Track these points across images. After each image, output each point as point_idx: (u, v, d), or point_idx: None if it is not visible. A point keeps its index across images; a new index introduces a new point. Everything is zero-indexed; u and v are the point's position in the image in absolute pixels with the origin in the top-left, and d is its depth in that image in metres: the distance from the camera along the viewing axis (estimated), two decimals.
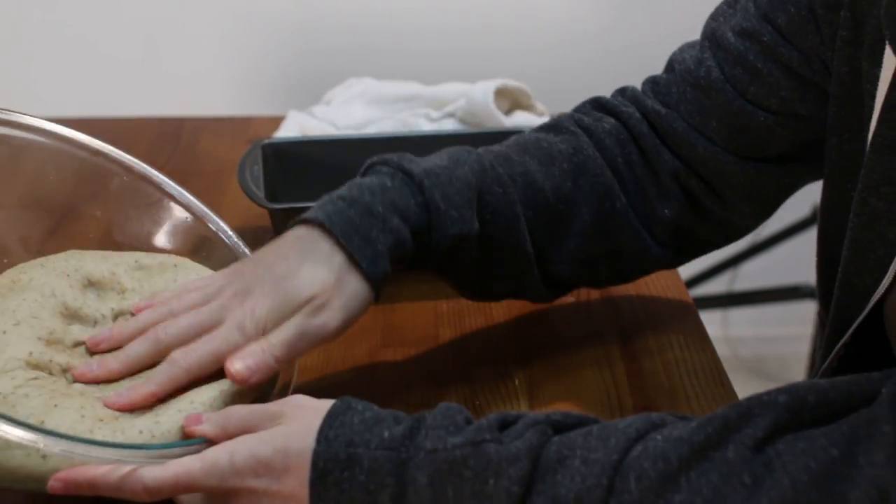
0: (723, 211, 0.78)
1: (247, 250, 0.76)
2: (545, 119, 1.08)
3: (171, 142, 1.19)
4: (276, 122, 1.13)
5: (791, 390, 0.50)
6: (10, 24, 1.66)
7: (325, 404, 0.57)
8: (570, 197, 0.75)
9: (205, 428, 0.58)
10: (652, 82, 0.79)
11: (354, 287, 0.64)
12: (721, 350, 0.83)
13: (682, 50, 0.78)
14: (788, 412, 0.50)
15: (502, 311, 0.87)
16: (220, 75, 1.75)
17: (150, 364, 0.63)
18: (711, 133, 0.74)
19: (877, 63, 0.61)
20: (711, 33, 0.75)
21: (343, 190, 0.68)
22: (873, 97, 0.61)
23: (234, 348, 0.61)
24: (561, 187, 0.74)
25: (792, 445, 0.48)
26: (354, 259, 0.64)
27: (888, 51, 0.59)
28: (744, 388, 0.71)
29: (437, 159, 0.71)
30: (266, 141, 0.96)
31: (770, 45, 0.70)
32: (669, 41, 0.87)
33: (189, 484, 0.55)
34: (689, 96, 0.75)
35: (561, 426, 0.53)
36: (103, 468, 0.54)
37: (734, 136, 0.74)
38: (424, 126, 1.10)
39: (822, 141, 0.71)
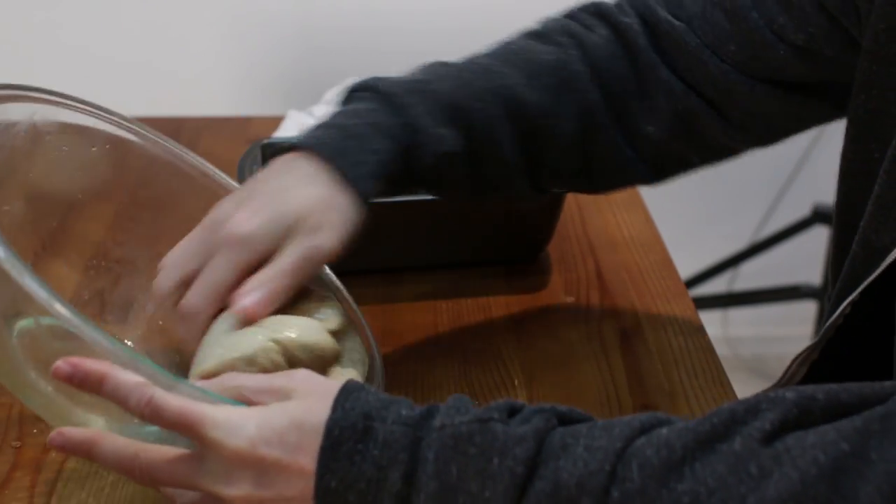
0: (721, 132, 0.76)
1: None
2: None
3: None
4: (276, 122, 1.13)
5: (800, 389, 0.49)
6: (9, 25, 1.66)
7: (335, 382, 0.55)
8: (552, 112, 0.73)
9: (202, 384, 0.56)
10: None
11: (346, 206, 0.65)
12: (721, 350, 0.83)
13: None
14: (797, 408, 0.49)
15: (502, 310, 0.87)
16: (220, 75, 1.75)
17: None
18: (726, 55, 0.73)
19: None
20: None
21: (328, 119, 0.68)
22: None
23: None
24: (542, 102, 0.73)
25: (801, 440, 0.47)
26: (346, 179, 0.64)
27: None
28: (744, 388, 0.71)
29: (416, 76, 0.71)
30: (266, 141, 0.95)
31: None
32: None
33: (193, 422, 0.52)
34: (708, 14, 0.73)
35: (566, 418, 0.53)
36: (118, 369, 0.52)
37: (751, 61, 0.72)
38: None
39: (837, 84, 0.70)
